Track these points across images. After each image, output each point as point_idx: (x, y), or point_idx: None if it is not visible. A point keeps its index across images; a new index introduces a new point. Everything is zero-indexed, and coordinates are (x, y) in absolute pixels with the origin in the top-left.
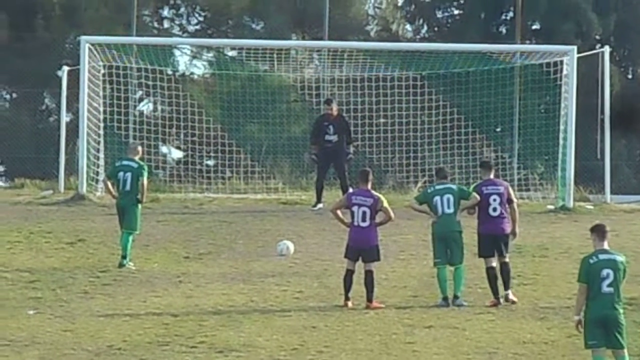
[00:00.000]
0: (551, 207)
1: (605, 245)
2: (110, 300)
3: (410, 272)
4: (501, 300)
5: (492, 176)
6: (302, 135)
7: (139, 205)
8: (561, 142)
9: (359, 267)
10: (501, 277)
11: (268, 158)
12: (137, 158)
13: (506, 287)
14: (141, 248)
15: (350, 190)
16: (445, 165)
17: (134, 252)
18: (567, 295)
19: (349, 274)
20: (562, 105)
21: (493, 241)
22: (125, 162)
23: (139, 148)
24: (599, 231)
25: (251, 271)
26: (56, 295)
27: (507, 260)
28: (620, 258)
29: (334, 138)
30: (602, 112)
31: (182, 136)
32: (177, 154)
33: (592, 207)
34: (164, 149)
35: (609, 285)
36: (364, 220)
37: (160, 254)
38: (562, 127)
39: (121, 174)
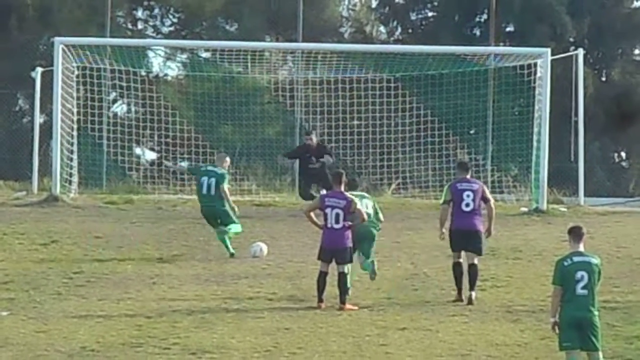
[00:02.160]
0: (525, 209)
1: (581, 248)
2: (84, 301)
3: (384, 275)
4: (464, 298)
5: (467, 176)
6: (276, 137)
7: (226, 204)
8: (535, 144)
9: (332, 269)
10: (468, 278)
11: (242, 160)
12: (224, 166)
13: (471, 288)
14: (114, 249)
15: (323, 192)
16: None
17: (107, 253)
18: (541, 297)
19: (323, 275)
20: (536, 107)
21: (463, 236)
22: (210, 168)
23: (227, 159)
24: (575, 233)
25: (224, 273)
26: (29, 297)
27: (476, 262)
28: (595, 260)
29: (317, 165)
30: (576, 115)
31: (155, 137)
32: (150, 155)
33: (565, 209)
34: (137, 150)
35: (584, 288)
36: (337, 222)
37: (134, 256)
38: (535, 130)
39: (205, 178)
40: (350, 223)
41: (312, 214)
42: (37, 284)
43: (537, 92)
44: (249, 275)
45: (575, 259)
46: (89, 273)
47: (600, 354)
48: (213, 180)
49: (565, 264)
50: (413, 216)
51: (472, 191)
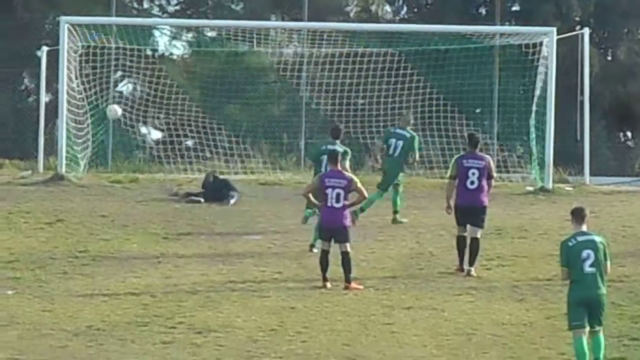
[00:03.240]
0: (530, 188)
1: (584, 228)
2: (89, 280)
3: (389, 254)
4: (465, 269)
5: (476, 150)
6: (282, 116)
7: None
8: (531, 122)
9: (335, 248)
10: (469, 252)
11: (247, 138)
12: (408, 128)
13: (471, 264)
14: (120, 228)
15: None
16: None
17: (113, 232)
18: (546, 276)
19: (324, 254)
20: (538, 85)
21: (468, 212)
22: (398, 131)
23: (410, 116)
24: (577, 214)
25: (230, 252)
26: (35, 276)
27: (478, 236)
28: (598, 238)
29: None
30: (582, 94)
31: (161, 116)
32: (156, 134)
33: (571, 188)
34: (143, 129)
35: (591, 266)
36: (337, 201)
37: (139, 235)
38: (535, 109)
39: (393, 140)
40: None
41: (311, 194)
42: (42, 263)
43: (541, 70)
44: (255, 254)
45: (580, 238)
46: (94, 252)
47: (602, 330)
48: (400, 142)
49: (570, 244)
50: (418, 195)
51: (478, 169)
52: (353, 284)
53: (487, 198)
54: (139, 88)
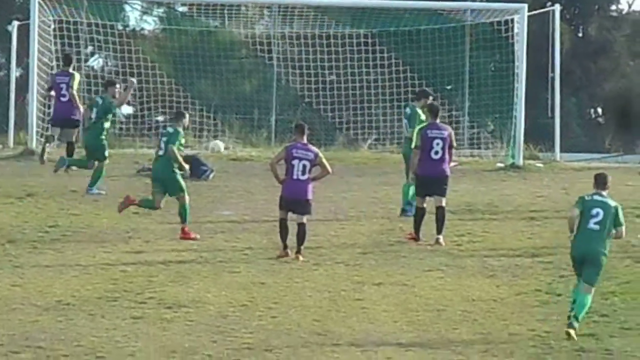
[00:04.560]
0: (501, 164)
1: (604, 193)
2: (59, 255)
3: (360, 230)
4: (421, 238)
5: (437, 120)
6: (253, 92)
7: None
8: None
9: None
10: (436, 221)
11: (218, 114)
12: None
13: (439, 232)
14: (90, 203)
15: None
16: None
17: (83, 207)
18: (517, 253)
19: (283, 222)
20: (516, 64)
21: (431, 183)
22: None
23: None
24: (598, 179)
25: (200, 227)
26: (5, 250)
27: (444, 204)
28: (613, 203)
29: None
30: (552, 71)
31: (133, 92)
32: (127, 109)
33: (541, 165)
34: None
35: (596, 223)
36: (303, 173)
37: (110, 210)
38: (515, 85)
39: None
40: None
41: (277, 166)
42: (12, 238)
43: (516, 48)
44: (225, 229)
45: (596, 197)
46: (64, 227)
47: (593, 291)
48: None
49: (587, 198)
50: (389, 171)
51: (442, 139)
52: (301, 256)
53: (449, 169)
54: (109, 63)
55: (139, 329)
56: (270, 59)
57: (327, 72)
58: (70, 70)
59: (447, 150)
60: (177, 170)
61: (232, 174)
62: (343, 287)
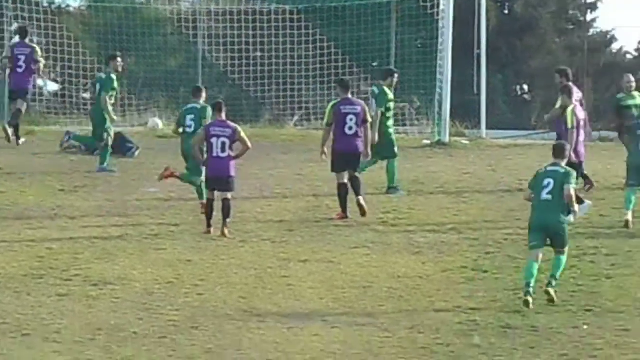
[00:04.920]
0: (427, 141)
1: (561, 163)
2: None
3: (286, 207)
4: (349, 215)
5: (349, 95)
6: (179, 69)
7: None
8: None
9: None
10: (352, 187)
11: (144, 91)
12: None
13: (357, 194)
14: (16, 181)
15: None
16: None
17: (9, 185)
18: (443, 230)
19: (209, 202)
20: (439, 40)
21: (346, 158)
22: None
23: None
24: (555, 149)
25: (127, 204)
26: None
27: (357, 175)
28: (563, 170)
29: None
30: (479, 48)
31: (58, 69)
32: (53, 86)
33: (467, 142)
34: (39, 81)
35: (549, 193)
36: (223, 150)
37: (36, 187)
38: (438, 62)
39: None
40: (234, 153)
41: (197, 146)
42: None
43: (440, 24)
44: (151, 207)
45: (548, 168)
46: None
47: (566, 250)
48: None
49: (540, 171)
50: (315, 148)
51: (355, 114)
52: (227, 230)
53: (362, 145)
54: (35, 40)
55: (64, 307)
56: (196, 36)
57: (252, 48)
58: (28, 41)
59: (361, 126)
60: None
61: (158, 151)
62: (269, 264)
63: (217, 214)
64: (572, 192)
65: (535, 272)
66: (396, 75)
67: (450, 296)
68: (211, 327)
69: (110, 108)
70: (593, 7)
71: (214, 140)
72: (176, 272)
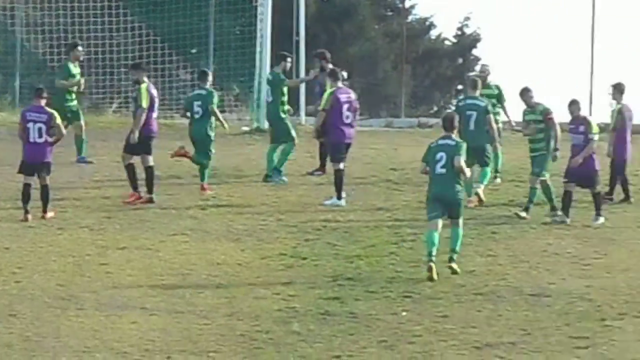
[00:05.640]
0: (246, 128)
1: (453, 135)
2: None
3: (105, 194)
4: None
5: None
6: None
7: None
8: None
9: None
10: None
11: None
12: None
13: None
14: None
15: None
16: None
17: None
18: (262, 217)
19: (26, 187)
20: (258, 27)
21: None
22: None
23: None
24: (445, 121)
25: None
26: None
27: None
28: (453, 142)
29: None
30: (297, 34)
31: None
32: None
33: None
34: None
35: (442, 167)
36: (39, 136)
37: None
38: (258, 49)
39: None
40: (51, 139)
41: (21, 132)
42: None
43: (259, 11)
44: None
45: (440, 142)
46: None
47: (461, 221)
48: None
49: (432, 145)
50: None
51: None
52: (49, 214)
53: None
54: None
55: None
56: (13, 24)
57: (70, 36)
58: None
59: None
60: (211, 133)
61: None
62: (87, 252)
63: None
64: (462, 164)
65: (436, 241)
66: (289, 59)
67: (269, 283)
68: (29, 314)
69: None
70: None
71: (30, 125)
72: None
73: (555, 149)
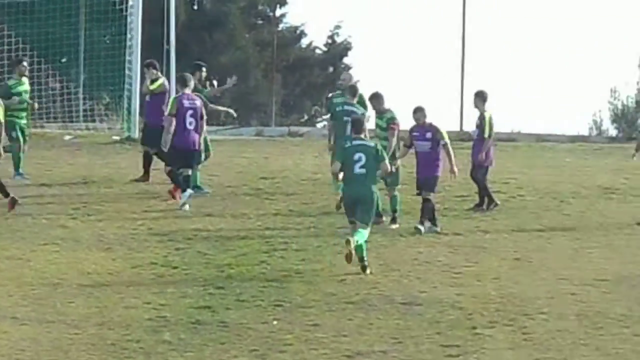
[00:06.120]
0: (117, 137)
1: (362, 136)
2: None
3: None
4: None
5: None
6: None
7: None
8: (126, 72)
9: None
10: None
11: None
12: None
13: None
14: None
15: None
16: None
17: None
18: (133, 226)
19: None
20: (128, 36)
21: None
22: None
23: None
24: (355, 124)
25: None
26: None
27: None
28: (372, 144)
29: None
30: (168, 43)
31: None
32: None
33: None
34: None
35: (361, 167)
36: None
37: None
38: (127, 58)
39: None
40: None
41: None
42: None
43: (129, 20)
44: None
45: (355, 142)
46: None
47: (368, 228)
48: None
49: (346, 145)
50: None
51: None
52: None
53: None
54: None
55: None
56: None
57: None
58: None
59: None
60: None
61: None
62: None
63: None
64: (388, 166)
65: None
66: (204, 69)
67: (140, 292)
68: None
69: None
70: (282, 2)
71: None
72: None
73: (393, 157)
